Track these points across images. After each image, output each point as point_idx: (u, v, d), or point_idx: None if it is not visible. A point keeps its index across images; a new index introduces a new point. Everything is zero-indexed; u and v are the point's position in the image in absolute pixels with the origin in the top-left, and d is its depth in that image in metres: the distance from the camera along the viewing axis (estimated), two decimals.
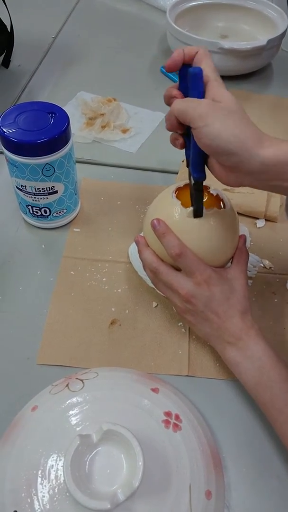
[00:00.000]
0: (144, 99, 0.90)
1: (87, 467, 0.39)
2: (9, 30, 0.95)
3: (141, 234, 0.55)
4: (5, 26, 0.93)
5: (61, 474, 0.39)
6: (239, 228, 0.66)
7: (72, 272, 0.62)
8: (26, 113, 0.57)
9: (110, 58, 1.03)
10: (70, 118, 0.58)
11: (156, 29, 1.12)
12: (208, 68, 0.44)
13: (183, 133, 0.47)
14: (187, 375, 0.53)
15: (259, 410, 0.47)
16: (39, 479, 0.40)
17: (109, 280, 0.61)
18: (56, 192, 0.61)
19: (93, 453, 0.40)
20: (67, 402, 0.45)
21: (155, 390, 0.47)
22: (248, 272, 0.62)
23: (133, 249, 0.62)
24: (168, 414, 0.45)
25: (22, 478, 0.40)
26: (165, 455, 0.42)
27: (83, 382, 0.47)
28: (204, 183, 0.50)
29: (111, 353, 0.54)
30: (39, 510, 0.38)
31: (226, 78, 0.96)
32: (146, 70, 1.00)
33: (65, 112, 0.58)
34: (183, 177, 0.73)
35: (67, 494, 0.38)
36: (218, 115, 0.42)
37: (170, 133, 0.50)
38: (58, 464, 0.40)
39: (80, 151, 0.65)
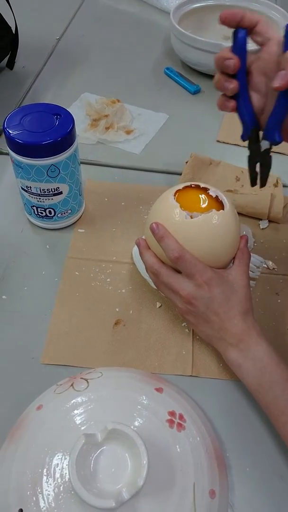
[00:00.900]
0: (148, 101, 0.91)
1: (92, 466, 0.39)
2: (13, 32, 0.95)
3: (143, 237, 0.56)
4: (10, 27, 0.94)
5: (66, 473, 0.40)
6: (242, 229, 0.67)
7: (76, 273, 0.62)
8: (32, 114, 0.58)
9: (114, 60, 1.04)
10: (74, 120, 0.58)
11: (160, 31, 1.12)
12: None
13: (234, 97, 0.48)
14: (190, 375, 0.53)
15: (262, 411, 0.48)
16: (44, 478, 0.40)
17: (113, 280, 0.62)
18: (61, 193, 0.61)
19: (98, 452, 0.40)
20: (72, 402, 0.45)
21: (159, 390, 0.48)
22: (251, 273, 0.63)
23: (136, 250, 0.62)
24: (172, 413, 0.45)
25: (27, 477, 0.40)
26: (169, 455, 0.42)
27: (87, 381, 0.47)
28: (202, 185, 0.52)
29: (115, 353, 0.55)
30: (44, 508, 0.39)
31: None
32: (150, 71, 1.00)
33: (70, 114, 0.58)
34: (186, 178, 0.73)
35: (72, 492, 0.38)
36: None
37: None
38: (63, 463, 0.40)
39: (84, 152, 0.66)
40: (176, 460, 0.42)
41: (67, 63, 1.02)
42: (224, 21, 0.45)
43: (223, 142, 0.83)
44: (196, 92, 0.94)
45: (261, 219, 0.70)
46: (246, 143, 0.51)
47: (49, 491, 0.39)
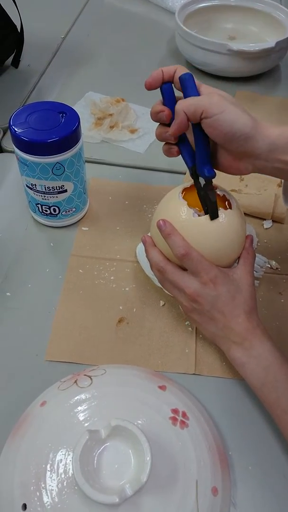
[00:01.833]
0: (152, 100, 0.89)
1: (95, 462, 0.39)
2: (19, 30, 0.95)
3: (149, 234, 0.56)
4: (15, 26, 0.94)
5: (69, 469, 0.40)
6: (247, 229, 0.67)
7: (80, 270, 0.63)
8: (37, 112, 0.58)
9: (119, 59, 1.04)
10: None
11: (165, 30, 1.13)
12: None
13: (177, 142, 0.51)
14: (194, 374, 0.53)
15: (266, 409, 0.48)
16: (48, 473, 0.40)
17: (117, 278, 0.62)
18: (65, 191, 0.62)
19: (101, 448, 0.40)
20: (76, 398, 0.45)
21: (162, 388, 0.48)
22: (255, 272, 0.63)
23: (140, 248, 0.63)
24: (175, 411, 0.45)
25: (31, 472, 0.41)
26: (172, 452, 0.42)
27: (91, 378, 0.47)
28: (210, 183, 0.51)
29: (119, 351, 0.55)
30: (47, 503, 0.39)
31: (234, 79, 0.97)
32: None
33: (76, 112, 0.59)
34: (190, 178, 0.73)
35: (76, 488, 0.39)
36: (229, 103, 0.45)
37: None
38: (66, 459, 0.41)
39: (88, 151, 0.66)
40: (179, 457, 0.42)
41: (72, 62, 1.02)
42: (150, 88, 0.49)
43: None
44: None
45: (265, 219, 0.70)
46: None
47: (52, 486, 0.40)
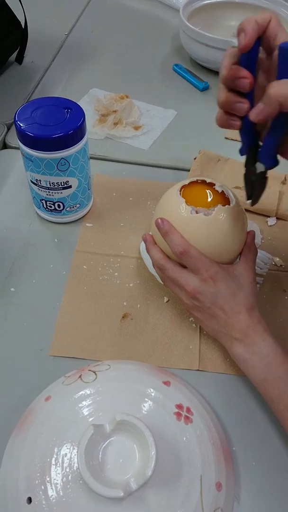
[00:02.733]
0: (157, 97, 0.91)
1: (100, 456, 0.40)
2: (23, 27, 0.95)
3: (150, 232, 0.56)
4: (20, 22, 0.94)
5: (74, 463, 0.40)
6: (250, 226, 0.67)
7: (84, 266, 0.63)
8: (42, 108, 0.58)
9: (123, 56, 1.04)
10: None
11: (169, 27, 1.12)
12: None
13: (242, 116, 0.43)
14: (197, 370, 0.54)
15: (268, 405, 0.48)
16: (53, 467, 0.40)
17: (121, 274, 0.62)
18: (70, 186, 0.62)
19: (106, 442, 0.40)
20: (80, 393, 0.45)
21: (166, 383, 0.48)
22: (259, 269, 0.63)
23: (144, 245, 0.63)
24: (179, 406, 0.45)
25: (36, 466, 0.41)
26: (177, 447, 0.42)
27: (95, 373, 0.48)
28: (208, 180, 0.52)
29: (123, 347, 0.55)
30: (52, 496, 0.39)
31: None
32: (159, 67, 1.00)
33: (81, 108, 0.59)
34: (194, 175, 0.73)
35: (81, 481, 0.39)
36: None
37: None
38: (71, 453, 0.41)
39: (92, 147, 0.66)
40: (183, 452, 0.42)
41: (76, 59, 1.02)
42: (246, 50, 0.39)
43: (232, 139, 0.83)
44: (205, 89, 0.94)
45: (269, 216, 0.70)
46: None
47: (57, 480, 0.40)
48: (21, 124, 0.56)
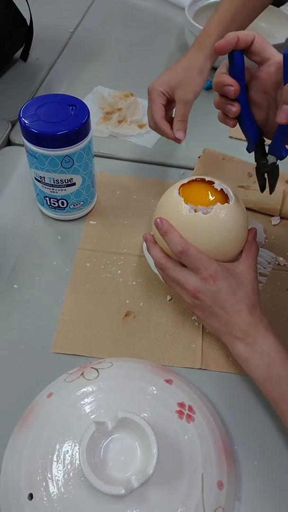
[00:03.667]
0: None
1: (101, 453, 0.40)
2: (28, 24, 0.95)
3: (152, 232, 0.56)
4: (25, 20, 0.94)
5: (76, 459, 0.40)
6: (253, 225, 0.67)
7: (87, 264, 0.63)
8: (47, 105, 0.58)
9: (128, 54, 1.04)
10: None
11: (174, 26, 1.12)
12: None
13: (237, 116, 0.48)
14: (200, 368, 0.53)
15: (270, 404, 0.48)
16: (54, 464, 0.40)
17: (123, 272, 0.62)
18: (74, 184, 0.62)
19: (108, 440, 0.40)
20: (82, 390, 0.45)
21: (168, 381, 0.48)
22: (262, 269, 0.63)
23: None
24: (181, 405, 0.45)
25: (37, 462, 0.41)
26: (178, 445, 0.42)
27: (98, 371, 0.48)
28: (208, 179, 0.52)
29: (125, 345, 0.55)
30: (54, 493, 0.39)
31: None
32: (163, 66, 1.00)
33: (85, 105, 0.59)
34: (198, 173, 0.73)
35: (82, 478, 0.39)
36: None
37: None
38: (73, 450, 0.41)
39: (96, 145, 0.66)
40: (185, 450, 0.42)
41: (81, 56, 1.02)
42: (221, 52, 0.44)
43: (236, 138, 0.83)
44: (209, 87, 0.93)
45: (272, 216, 0.70)
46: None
47: (59, 476, 0.40)
48: (26, 121, 0.56)
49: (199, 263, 0.49)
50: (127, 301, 0.59)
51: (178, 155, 0.79)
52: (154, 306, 0.59)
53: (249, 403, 0.51)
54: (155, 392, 0.46)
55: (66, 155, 0.58)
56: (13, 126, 0.82)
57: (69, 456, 0.41)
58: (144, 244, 0.63)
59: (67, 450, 0.41)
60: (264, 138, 0.51)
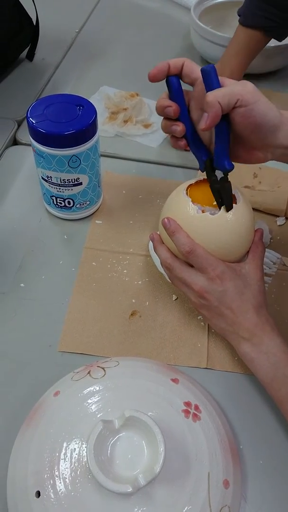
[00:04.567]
0: None
1: (109, 451, 0.40)
2: (34, 24, 0.96)
3: (158, 231, 0.56)
4: (31, 19, 0.94)
5: (83, 457, 0.40)
6: (259, 225, 0.67)
7: (93, 263, 0.63)
8: (54, 105, 0.58)
9: (133, 54, 1.04)
10: None
11: (179, 26, 1.12)
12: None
13: (184, 135, 0.50)
14: (205, 368, 0.54)
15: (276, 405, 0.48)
16: (62, 462, 0.41)
17: (129, 272, 0.62)
18: (80, 183, 0.62)
19: (115, 438, 0.41)
20: (89, 389, 0.46)
21: (175, 381, 0.48)
22: (268, 269, 0.63)
23: (152, 244, 0.63)
24: (187, 404, 0.46)
25: (44, 460, 0.41)
26: (185, 444, 0.43)
27: (104, 370, 0.48)
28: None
29: (131, 344, 0.55)
30: (61, 491, 0.39)
31: (249, 76, 0.96)
32: None
33: (92, 105, 0.59)
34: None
35: (89, 476, 0.39)
36: (259, 93, 0.45)
37: None
38: (80, 448, 0.41)
39: (102, 145, 0.66)
40: (191, 449, 0.42)
41: (86, 56, 1.02)
42: (154, 79, 0.48)
43: None
44: None
45: (278, 216, 0.70)
46: None
47: (66, 474, 0.40)
48: (33, 121, 0.56)
49: (206, 263, 0.49)
50: (133, 301, 0.59)
51: (183, 155, 0.79)
52: (160, 306, 0.59)
53: (255, 403, 0.51)
54: (161, 391, 0.46)
55: (73, 155, 0.58)
56: (19, 125, 0.82)
57: (76, 454, 0.41)
58: (150, 244, 0.64)
59: (74, 448, 0.41)
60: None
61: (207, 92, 0.45)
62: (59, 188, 0.62)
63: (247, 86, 0.45)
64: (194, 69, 0.48)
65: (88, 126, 0.57)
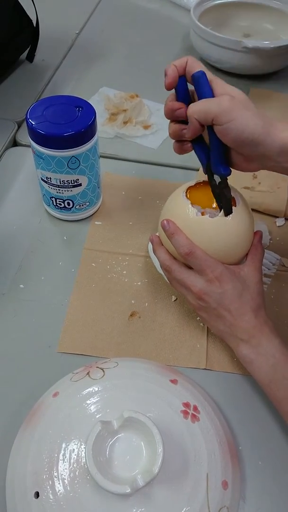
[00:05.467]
0: (166, 96, 0.91)
1: (107, 452, 0.40)
2: (34, 25, 0.96)
3: (157, 233, 0.56)
4: (31, 21, 0.95)
5: (82, 458, 0.40)
6: (258, 226, 0.67)
7: (93, 264, 0.63)
8: (54, 106, 0.58)
9: (133, 55, 1.04)
10: None
11: (179, 27, 1.12)
12: (205, 71, 0.47)
13: (191, 139, 0.50)
14: (204, 369, 0.54)
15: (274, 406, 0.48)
16: (60, 462, 0.41)
17: (129, 273, 0.62)
18: (80, 185, 0.62)
19: (114, 439, 0.41)
20: (88, 390, 0.46)
21: (174, 382, 0.48)
22: (267, 270, 0.63)
23: (151, 245, 0.63)
24: (186, 405, 0.46)
25: (43, 461, 0.41)
26: (184, 444, 0.43)
27: (103, 370, 0.48)
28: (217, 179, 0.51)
29: (131, 344, 0.55)
30: (60, 491, 0.39)
31: (249, 77, 0.97)
32: None
33: (92, 106, 0.59)
34: (203, 175, 0.73)
35: (88, 477, 0.39)
36: (239, 108, 0.44)
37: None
38: (79, 449, 0.41)
39: (102, 146, 0.66)
40: (190, 450, 0.43)
41: (86, 57, 1.02)
42: (171, 87, 0.48)
43: None
44: None
45: (277, 217, 0.70)
46: None
47: (64, 475, 0.40)
48: (32, 122, 0.56)
49: (205, 265, 0.49)
50: (133, 302, 0.59)
51: (183, 156, 0.78)
52: (159, 307, 0.59)
53: (253, 404, 0.51)
54: (160, 392, 0.46)
55: (73, 156, 0.58)
56: (19, 127, 0.82)
57: (75, 455, 0.41)
58: (150, 245, 0.64)
59: (73, 449, 0.41)
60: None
61: (198, 99, 0.46)
62: (59, 189, 0.62)
63: (223, 104, 0.44)
64: (196, 68, 0.47)
65: (87, 127, 0.57)
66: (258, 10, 1.04)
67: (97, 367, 0.49)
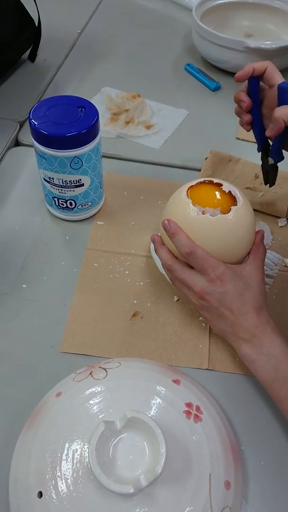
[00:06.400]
0: (168, 96, 0.91)
1: (110, 452, 0.40)
2: (36, 25, 0.96)
3: (159, 233, 0.56)
4: (33, 20, 0.95)
5: (85, 458, 0.41)
6: (260, 226, 0.67)
7: (95, 264, 0.63)
8: (57, 106, 0.58)
9: (135, 55, 1.04)
10: None
11: (181, 27, 1.13)
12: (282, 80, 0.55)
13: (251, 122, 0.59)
14: (207, 369, 0.54)
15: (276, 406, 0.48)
16: (64, 462, 0.41)
17: (131, 273, 0.62)
18: (82, 185, 0.62)
19: (117, 439, 0.41)
20: (91, 390, 0.46)
21: (176, 382, 0.48)
22: (269, 270, 0.63)
23: (153, 245, 0.63)
24: (189, 405, 0.46)
25: (47, 461, 0.41)
26: (186, 445, 0.43)
27: (106, 371, 0.48)
28: (216, 181, 0.53)
29: (133, 345, 0.55)
30: (63, 491, 0.39)
31: None
32: (171, 67, 1.01)
33: (94, 107, 0.59)
34: (205, 175, 0.73)
35: (91, 477, 0.39)
36: None
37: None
38: (82, 449, 0.41)
39: (104, 146, 0.66)
40: (192, 450, 0.43)
41: (88, 57, 1.02)
42: (239, 80, 0.56)
43: (242, 140, 0.83)
44: (216, 89, 0.94)
45: (279, 217, 0.70)
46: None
47: (68, 475, 0.40)
48: (35, 122, 0.56)
49: (206, 264, 0.49)
50: (135, 302, 0.59)
51: (184, 156, 0.79)
52: (161, 307, 0.59)
53: (256, 404, 0.51)
54: (163, 392, 0.46)
55: (75, 156, 0.58)
56: (21, 126, 0.82)
57: (78, 455, 0.41)
58: (152, 245, 0.64)
59: (76, 449, 0.41)
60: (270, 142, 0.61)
61: (278, 105, 0.52)
62: (61, 189, 0.62)
63: None
64: (274, 76, 0.55)
65: (90, 127, 0.57)
66: (260, 10, 1.04)
67: (100, 367, 0.49)
